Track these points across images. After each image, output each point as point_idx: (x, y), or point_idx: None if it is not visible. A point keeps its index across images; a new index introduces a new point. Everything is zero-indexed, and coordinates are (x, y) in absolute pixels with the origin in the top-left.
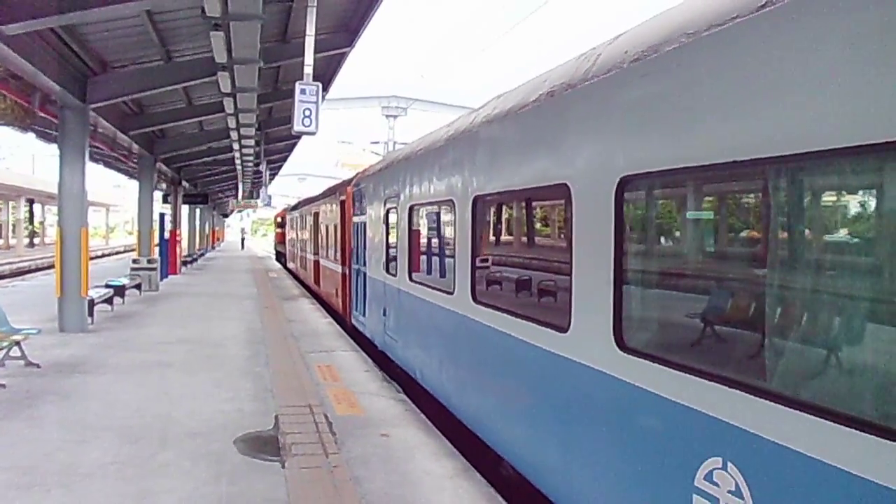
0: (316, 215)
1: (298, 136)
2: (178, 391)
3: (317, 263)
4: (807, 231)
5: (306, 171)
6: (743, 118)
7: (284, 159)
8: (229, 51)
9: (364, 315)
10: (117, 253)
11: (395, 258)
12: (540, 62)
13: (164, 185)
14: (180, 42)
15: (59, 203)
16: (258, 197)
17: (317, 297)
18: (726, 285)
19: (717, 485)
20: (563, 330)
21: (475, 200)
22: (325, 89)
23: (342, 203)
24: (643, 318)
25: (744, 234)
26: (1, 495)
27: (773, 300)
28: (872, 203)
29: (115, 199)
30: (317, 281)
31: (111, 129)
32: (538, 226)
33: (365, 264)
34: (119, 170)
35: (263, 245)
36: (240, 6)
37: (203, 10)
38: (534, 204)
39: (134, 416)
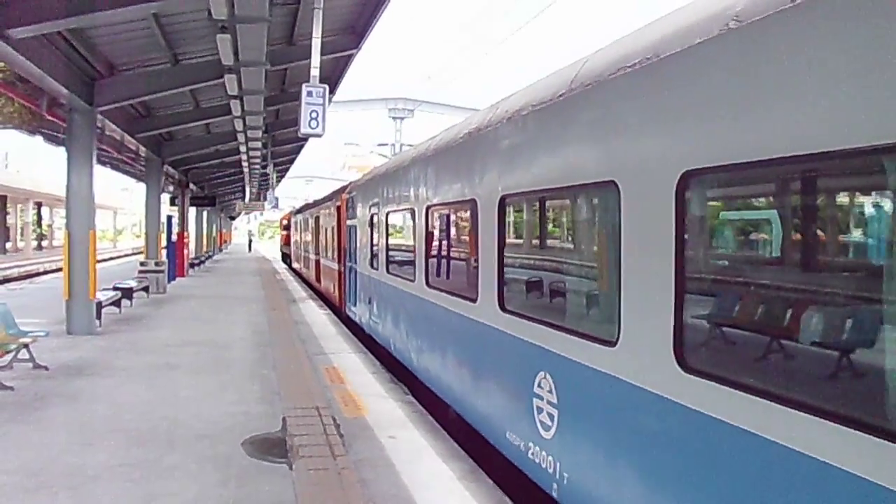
0: (317, 219)
1: (305, 139)
2: (185, 393)
3: (317, 262)
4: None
5: (313, 174)
6: None
7: (291, 161)
8: (236, 53)
9: (355, 305)
10: (125, 256)
11: (377, 255)
12: (546, 64)
13: (171, 188)
14: (187, 45)
15: (66, 206)
16: (265, 199)
17: (317, 292)
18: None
19: (545, 387)
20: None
21: (427, 209)
22: (332, 91)
23: (338, 208)
24: (512, 290)
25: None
26: (9, 497)
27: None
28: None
29: (123, 202)
30: (318, 279)
31: (119, 131)
32: (455, 229)
33: (356, 261)
34: (127, 172)
35: (270, 248)
36: (246, 9)
37: (210, 13)
38: (460, 213)
39: (141, 418)
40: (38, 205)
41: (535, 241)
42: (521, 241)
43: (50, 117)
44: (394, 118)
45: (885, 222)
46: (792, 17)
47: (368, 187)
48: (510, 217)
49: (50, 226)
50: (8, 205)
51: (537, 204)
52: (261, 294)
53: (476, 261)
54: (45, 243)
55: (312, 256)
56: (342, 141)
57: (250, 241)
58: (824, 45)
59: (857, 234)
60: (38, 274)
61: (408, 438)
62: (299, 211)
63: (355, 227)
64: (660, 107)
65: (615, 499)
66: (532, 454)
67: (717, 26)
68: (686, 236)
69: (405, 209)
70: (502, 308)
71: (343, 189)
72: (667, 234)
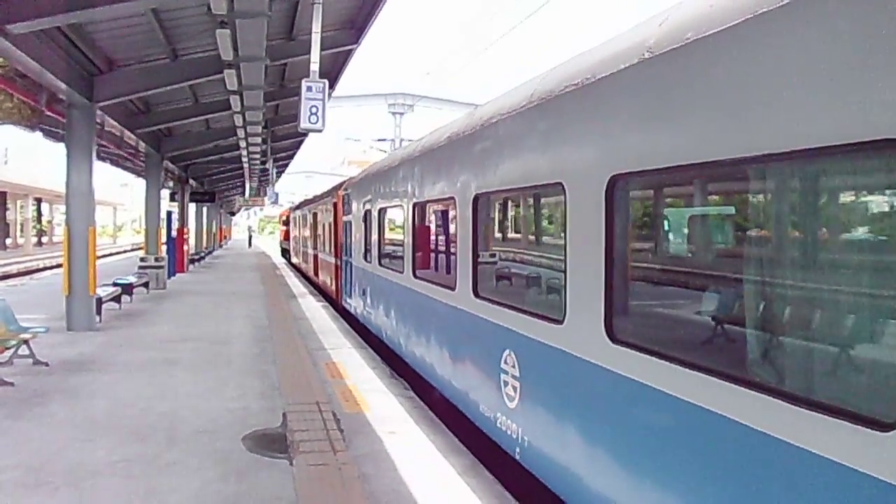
0: (314, 215)
1: (305, 134)
2: (185, 389)
3: (316, 257)
4: None
5: (313, 169)
6: None
7: (291, 157)
8: (235, 48)
9: (351, 297)
10: (125, 251)
11: (370, 249)
12: (545, 58)
13: (171, 184)
14: (187, 40)
15: (66, 202)
16: (265, 195)
17: (315, 286)
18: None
19: (509, 363)
20: (405, 272)
21: (413, 206)
22: (332, 87)
23: (335, 204)
24: (483, 279)
25: None
26: (9, 493)
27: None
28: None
29: (122, 197)
30: (316, 273)
31: (118, 127)
32: (438, 224)
33: (351, 255)
34: (126, 168)
35: (270, 244)
36: (246, 3)
37: (209, 8)
38: (441, 210)
39: (141, 414)
40: (38, 201)
41: (503, 235)
42: (492, 234)
43: (49, 113)
44: (393, 113)
45: (721, 218)
46: (689, 51)
47: (362, 185)
48: (482, 213)
49: (50, 222)
50: (7, 201)
51: (504, 202)
52: (261, 290)
53: (455, 253)
54: (44, 239)
55: (311, 251)
56: (342, 136)
57: (250, 237)
58: (710, 74)
59: (722, 222)
60: (37, 270)
61: (408, 433)
62: (297, 207)
63: (351, 222)
64: (594, 119)
65: (564, 457)
66: (500, 423)
67: (636, 55)
68: (615, 231)
69: (395, 206)
70: (476, 294)
71: (339, 186)
72: (599, 228)
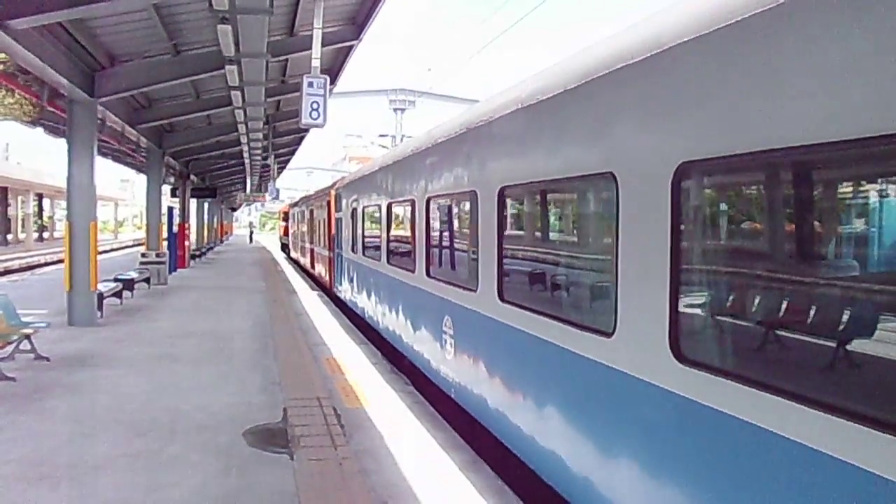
0: (311, 212)
1: (306, 130)
2: (186, 384)
3: (312, 251)
4: None
5: (314, 165)
6: None
7: (292, 153)
8: (237, 44)
9: (341, 284)
10: (126, 247)
11: (356, 241)
12: (545, 55)
13: (172, 179)
14: (188, 36)
15: (67, 197)
16: (266, 190)
17: (312, 277)
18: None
19: (447, 325)
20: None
21: (388, 205)
22: (333, 82)
23: (328, 203)
24: (432, 262)
25: None
26: (11, 488)
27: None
28: None
29: (124, 193)
30: (312, 265)
31: (119, 123)
32: (405, 221)
33: (342, 248)
34: (127, 164)
35: (271, 240)
36: (247, 0)
37: (211, 4)
38: (407, 209)
39: (143, 409)
40: (39, 196)
41: (446, 229)
42: (438, 228)
43: (51, 108)
44: (395, 110)
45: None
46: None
47: (351, 186)
48: (433, 214)
49: (51, 217)
50: (9, 196)
51: (446, 202)
52: (261, 285)
53: (414, 243)
54: (46, 235)
55: (308, 246)
56: (343, 133)
57: (251, 233)
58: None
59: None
60: (39, 265)
61: (408, 429)
62: (295, 204)
63: (342, 219)
64: (508, 142)
65: (477, 391)
66: (443, 372)
67: (515, 105)
68: (505, 220)
69: (375, 204)
70: (428, 275)
71: (332, 186)
72: (491, 219)
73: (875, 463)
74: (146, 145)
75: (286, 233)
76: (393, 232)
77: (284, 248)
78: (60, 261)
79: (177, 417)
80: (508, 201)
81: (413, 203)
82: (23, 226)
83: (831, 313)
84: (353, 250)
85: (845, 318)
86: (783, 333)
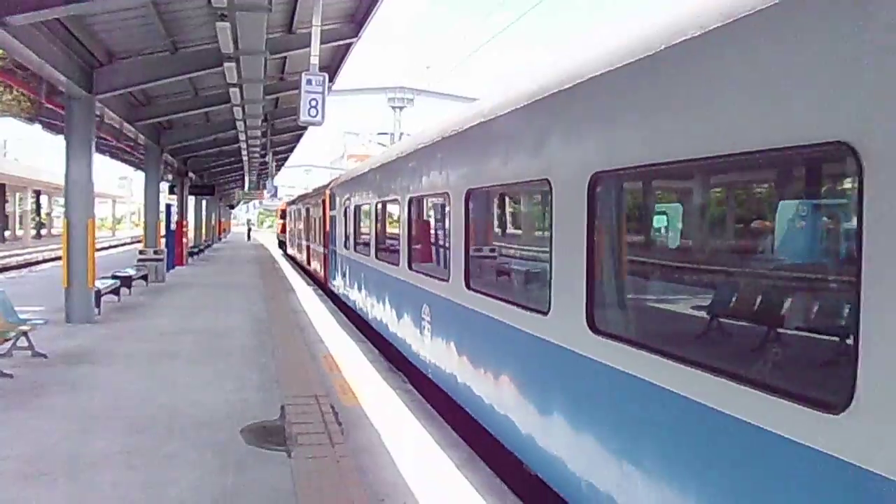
0: (307, 210)
1: (305, 127)
2: (184, 381)
3: (308, 247)
4: None
5: (313, 163)
6: None
7: (291, 150)
8: (235, 41)
9: (335, 279)
10: (124, 244)
11: (348, 238)
12: (545, 51)
13: (170, 177)
14: (186, 32)
15: (65, 194)
16: (264, 188)
17: (308, 273)
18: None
19: (425, 312)
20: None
21: (376, 204)
22: (332, 80)
23: (323, 202)
24: (413, 257)
25: None
26: (8, 485)
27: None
28: None
29: (122, 191)
30: (308, 262)
31: (117, 119)
32: (391, 218)
33: (335, 244)
34: (126, 161)
35: (270, 237)
36: None
37: (209, 1)
38: (392, 208)
39: (140, 406)
40: (37, 193)
41: (426, 226)
42: (418, 225)
43: (48, 105)
44: (393, 107)
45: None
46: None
47: (343, 186)
48: (414, 212)
49: (49, 214)
50: (7, 193)
51: (423, 203)
52: (259, 283)
53: (399, 239)
54: (43, 232)
55: (304, 243)
56: (342, 130)
57: (249, 230)
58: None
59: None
60: (36, 262)
61: (406, 427)
62: (292, 203)
63: (335, 217)
64: (473, 151)
65: (449, 369)
66: (421, 355)
67: (478, 118)
68: (471, 219)
69: (365, 203)
70: (409, 268)
71: (327, 185)
72: (461, 218)
73: (735, 408)
74: (144, 142)
75: (283, 230)
76: (380, 229)
77: (282, 245)
78: (58, 258)
79: (174, 415)
80: (471, 203)
81: (397, 203)
82: (20, 223)
83: (700, 294)
84: (345, 246)
85: (710, 296)
86: (676, 310)
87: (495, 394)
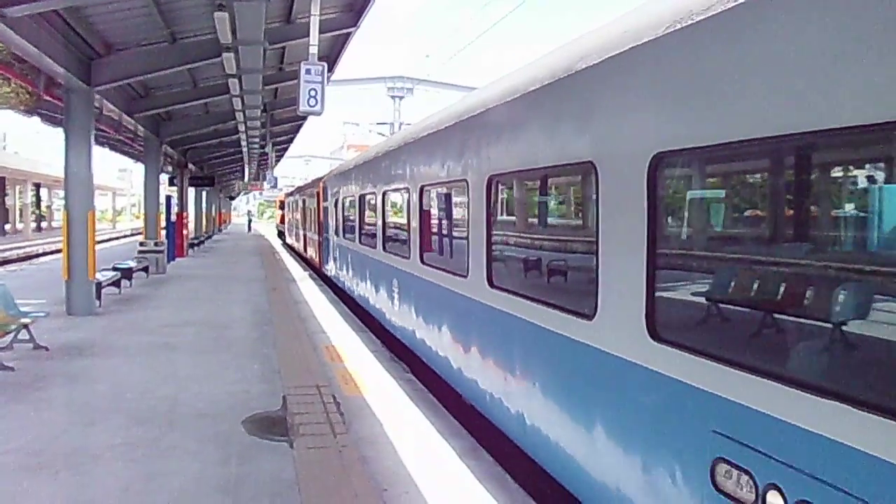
0: (304, 201)
1: (304, 118)
2: (185, 373)
3: (305, 236)
4: None
5: (313, 153)
6: None
7: (290, 141)
8: (234, 32)
9: (328, 264)
10: (124, 236)
11: (339, 226)
12: (544, 43)
13: (170, 168)
14: (185, 23)
15: (65, 187)
16: (264, 179)
17: (305, 260)
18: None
19: (394, 285)
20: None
21: (360, 196)
22: (331, 70)
23: (318, 193)
24: (387, 239)
25: None
26: (9, 477)
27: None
28: None
29: (122, 183)
30: (305, 249)
31: (117, 111)
32: (372, 209)
33: (328, 232)
34: (125, 153)
35: (270, 228)
36: None
37: None
38: (374, 201)
39: (142, 398)
40: (37, 186)
41: (398, 215)
42: (392, 214)
43: (47, 97)
44: (392, 97)
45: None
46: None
47: (335, 179)
48: (388, 204)
49: (49, 207)
50: (7, 186)
51: (396, 195)
52: (260, 274)
53: (376, 226)
54: (44, 224)
55: (301, 232)
56: (341, 120)
57: (249, 221)
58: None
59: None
60: (37, 255)
61: (408, 416)
62: (290, 194)
63: (328, 207)
64: (458, 145)
65: (411, 330)
66: (393, 321)
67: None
68: (424, 208)
69: (353, 195)
70: (384, 249)
71: (321, 178)
72: (418, 207)
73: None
74: (144, 134)
75: (282, 220)
76: (364, 218)
77: (281, 234)
78: (58, 250)
79: (176, 406)
80: (425, 196)
81: (374, 195)
82: (21, 215)
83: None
84: (336, 234)
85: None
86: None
87: (439, 343)
